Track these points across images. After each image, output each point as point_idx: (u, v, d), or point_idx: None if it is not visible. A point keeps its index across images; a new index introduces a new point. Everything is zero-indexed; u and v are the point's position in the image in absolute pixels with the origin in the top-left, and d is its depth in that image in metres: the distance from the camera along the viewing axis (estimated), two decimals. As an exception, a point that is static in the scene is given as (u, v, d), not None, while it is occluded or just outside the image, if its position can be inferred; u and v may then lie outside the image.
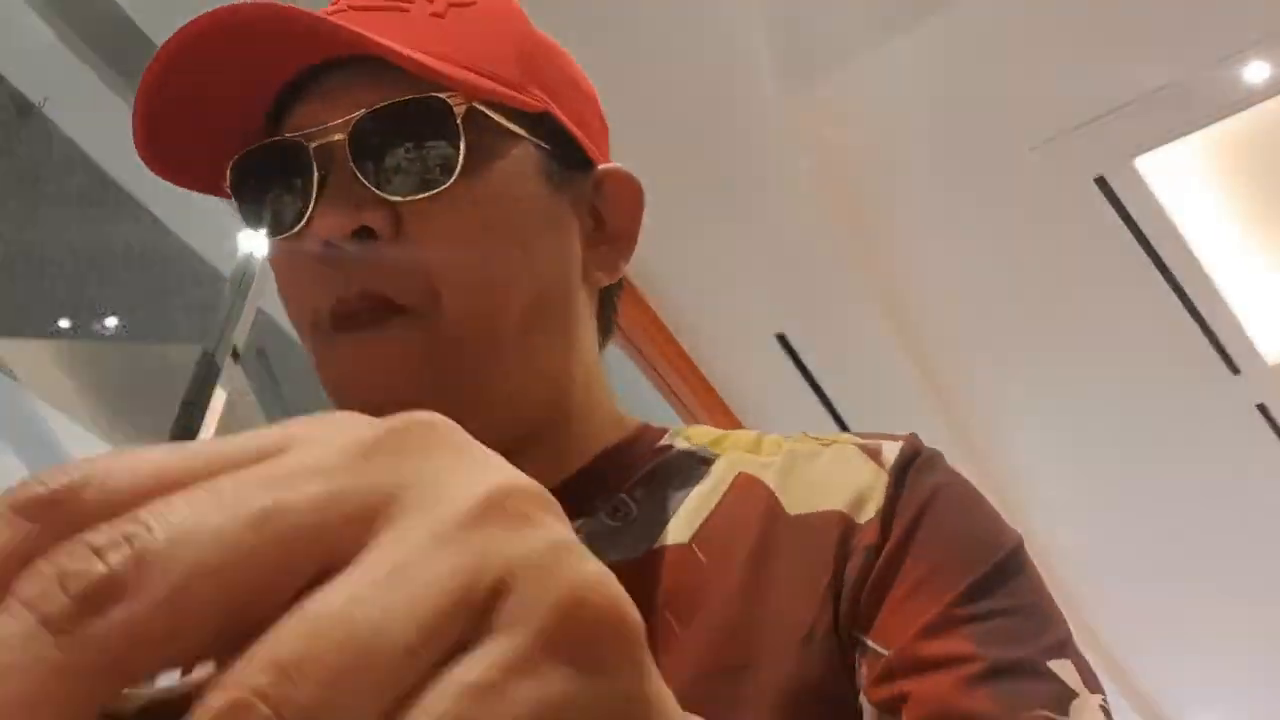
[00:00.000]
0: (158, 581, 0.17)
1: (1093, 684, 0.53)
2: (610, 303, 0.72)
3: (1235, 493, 4.03)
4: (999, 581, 0.55)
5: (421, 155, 0.58)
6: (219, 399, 2.02)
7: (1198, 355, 3.53)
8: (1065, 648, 0.54)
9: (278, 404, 3.73)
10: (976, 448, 4.02)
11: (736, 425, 3.73)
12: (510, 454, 0.62)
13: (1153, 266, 3.25)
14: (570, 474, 0.64)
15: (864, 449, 0.62)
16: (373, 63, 0.58)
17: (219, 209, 2.83)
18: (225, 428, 2.05)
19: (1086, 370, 3.67)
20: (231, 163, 0.62)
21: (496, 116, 0.60)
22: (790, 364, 3.58)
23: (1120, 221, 3.14)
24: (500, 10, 0.65)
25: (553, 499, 0.23)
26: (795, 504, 0.60)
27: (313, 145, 0.59)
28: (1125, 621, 4.52)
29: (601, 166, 0.68)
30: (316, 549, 0.19)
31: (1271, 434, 3.83)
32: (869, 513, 0.58)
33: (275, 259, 0.63)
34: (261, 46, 0.59)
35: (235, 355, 2.07)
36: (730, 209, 3.05)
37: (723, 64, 2.70)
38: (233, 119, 0.62)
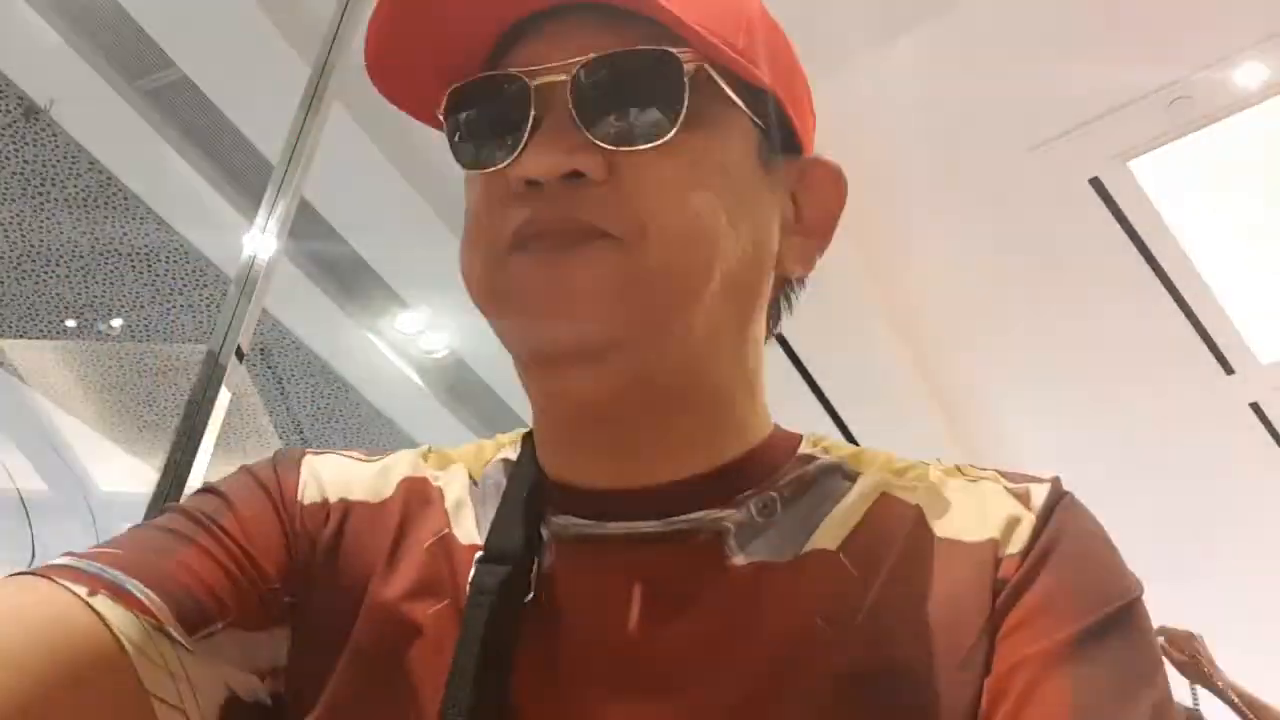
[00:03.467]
0: None
1: None
2: (787, 296, 0.71)
3: (1230, 490, 4.05)
4: (1114, 630, 0.55)
5: (643, 106, 0.58)
6: (223, 399, 2.04)
7: (1192, 355, 3.55)
8: (1160, 712, 0.53)
9: (282, 404, 3.76)
10: (973, 445, 4.04)
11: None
12: (668, 411, 0.61)
13: (1147, 267, 3.27)
14: (726, 460, 0.63)
15: (1012, 491, 0.61)
16: (604, 11, 0.58)
17: (223, 210, 2.85)
18: (229, 427, 2.08)
19: (1082, 369, 3.68)
20: (449, 91, 0.61)
21: (722, 84, 0.59)
22: (790, 364, 3.60)
23: (1115, 222, 3.16)
24: None
25: None
26: (943, 527, 0.60)
27: (534, 84, 0.58)
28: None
29: (809, 156, 0.67)
30: None
31: (1265, 432, 3.85)
32: (1015, 548, 0.58)
33: (473, 191, 0.62)
34: None
35: (240, 355, 2.08)
36: (729, 210, 3.06)
37: (722, 66, 2.71)
38: (460, 47, 0.62)
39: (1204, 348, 3.53)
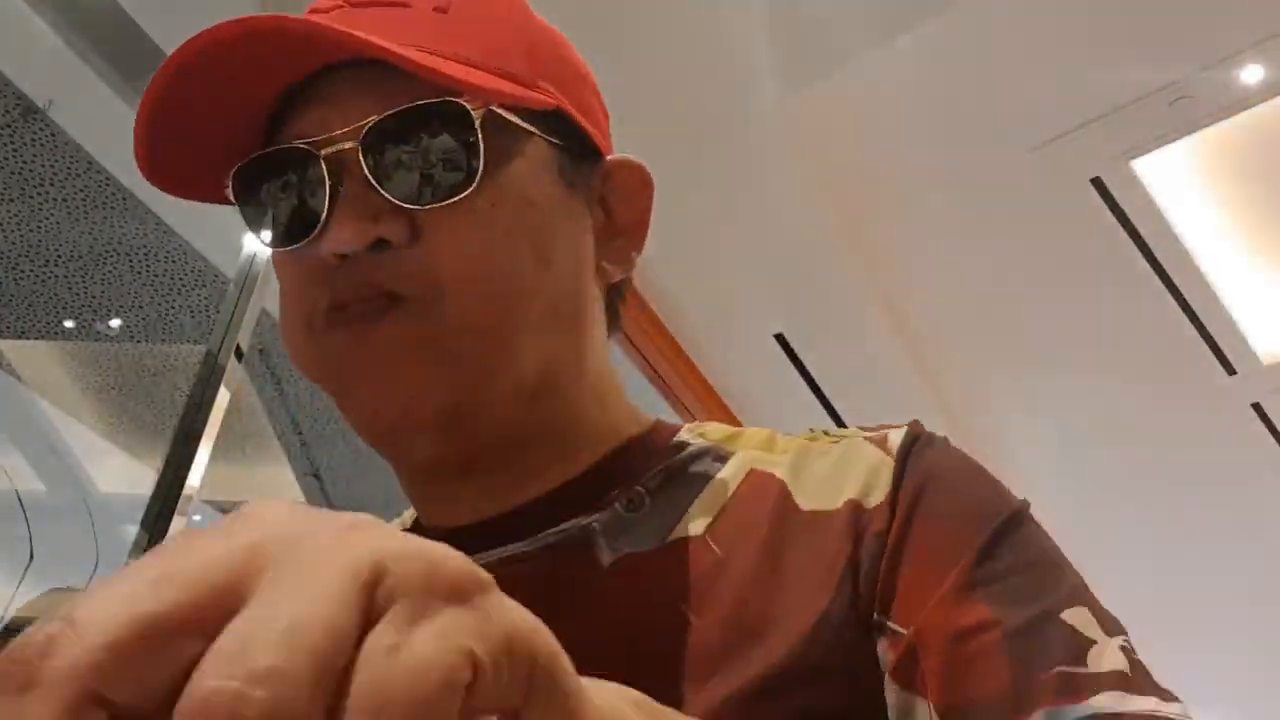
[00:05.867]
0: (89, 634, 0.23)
1: (1111, 626, 0.53)
2: (619, 295, 0.70)
3: (1232, 491, 4.04)
4: (1005, 540, 0.55)
5: (438, 161, 0.56)
6: (222, 398, 2.04)
7: (1194, 355, 3.55)
8: (1079, 594, 0.54)
9: (280, 403, 3.75)
10: (973, 445, 4.03)
11: (736, 425, 3.74)
12: (520, 448, 0.60)
13: (1149, 267, 3.27)
14: (585, 467, 0.63)
15: (871, 439, 0.62)
16: (380, 64, 0.56)
17: (222, 210, 2.86)
18: (228, 427, 2.07)
19: (1084, 370, 3.68)
20: (235, 170, 0.60)
21: (511, 117, 0.59)
22: (789, 364, 3.60)
23: (1117, 222, 3.16)
24: (503, 1, 0.63)
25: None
26: (807, 499, 0.59)
27: (323, 154, 0.57)
28: (1122, 620, 4.52)
29: (610, 158, 0.67)
30: (213, 597, 0.24)
31: (1267, 433, 3.84)
32: (877, 498, 0.58)
33: (283, 268, 0.61)
34: (261, 56, 0.57)
35: (239, 355, 2.08)
36: (730, 209, 3.06)
37: (723, 64, 2.71)
38: (234, 127, 0.60)
39: (1206, 348, 3.52)
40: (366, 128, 0.56)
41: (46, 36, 2.42)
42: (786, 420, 3.90)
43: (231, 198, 0.61)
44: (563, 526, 0.60)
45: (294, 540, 0.25)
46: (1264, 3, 2.63)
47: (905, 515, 0.56)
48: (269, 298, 2.19)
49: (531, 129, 0.60)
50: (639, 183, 0.67)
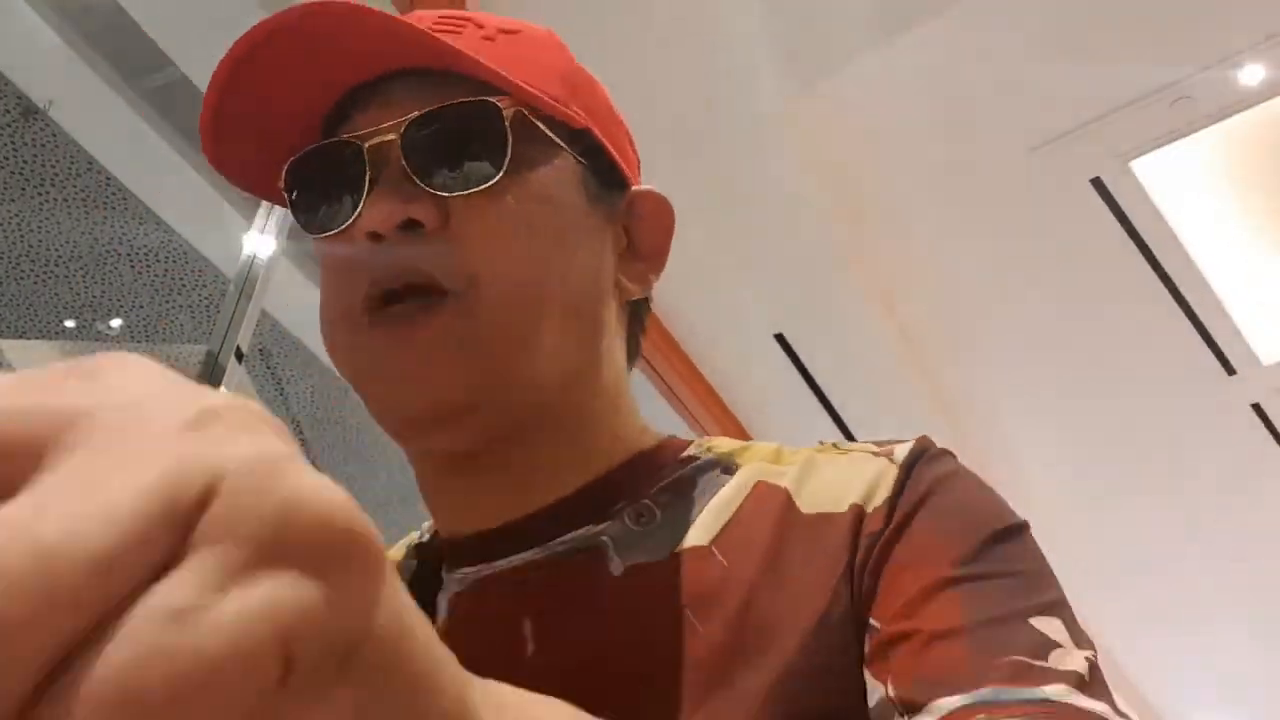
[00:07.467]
0: None
1: (1081, 641, 0.53)
2: (639, 321, 0.74)
3: (1231, 492, 4.05)
4: (993, 548, 0.56)
5: (469, 154, 0.61)
6: (223, 399, 2.03)
7: (1194, 356, 3.55)
8: (1055, 608, 0.54)
9: (281, 404, 3.75)
10: (973, 446, 4.04)
11: (736, 424, 3.74)
12: (533, 446, 0.62)
13: (1149, 268, 3.27)
14: (595, 477, 0.65)
15: (877, 452, 0.64)
16: (433, 75, 0.62)
17: (223, 211, 2.86)
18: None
19: (1084, 371, 3.68)
20: (288, 165, 0.64)
21: (541, 125, 0.63)
22: (789, 364, 3.60)
23: (1116, 223, 3.16)
24: (544, 39, 0.69)
25: (274, 420, 0.21)
26: (809, 504, 0.61)
27: (366, 145, 0.61)
28: (1123, 621, 4.53)
29: (635, 187, 0.71)
30: None
31: (1267, 433, 3.85)
32: (878, 501, 0.59)
33: (324, 257, 0.64)
34: (333, 50, 0.61)
35: (239, 356, 2.08)
36: (730, 210, 3.06)
37: (723, 64, 2.71)
38: (295, 125, 0.64)
39: (1205, 348, 3.53)
40: (408, 122, 0.60)
41: (46, 36, 2.42)
42: (787, 421, 3.90)
43: (284, 190, 0.64)
44: (571, 535, 0.62)
45: (123, 422, 0.19)
46: (1264, 3, 2.63)
47: (903, 519, 0.58)
48: (269, 298, 2.19)
49: (561, 144, 0.65)
50: (661, 214, 0.72)
